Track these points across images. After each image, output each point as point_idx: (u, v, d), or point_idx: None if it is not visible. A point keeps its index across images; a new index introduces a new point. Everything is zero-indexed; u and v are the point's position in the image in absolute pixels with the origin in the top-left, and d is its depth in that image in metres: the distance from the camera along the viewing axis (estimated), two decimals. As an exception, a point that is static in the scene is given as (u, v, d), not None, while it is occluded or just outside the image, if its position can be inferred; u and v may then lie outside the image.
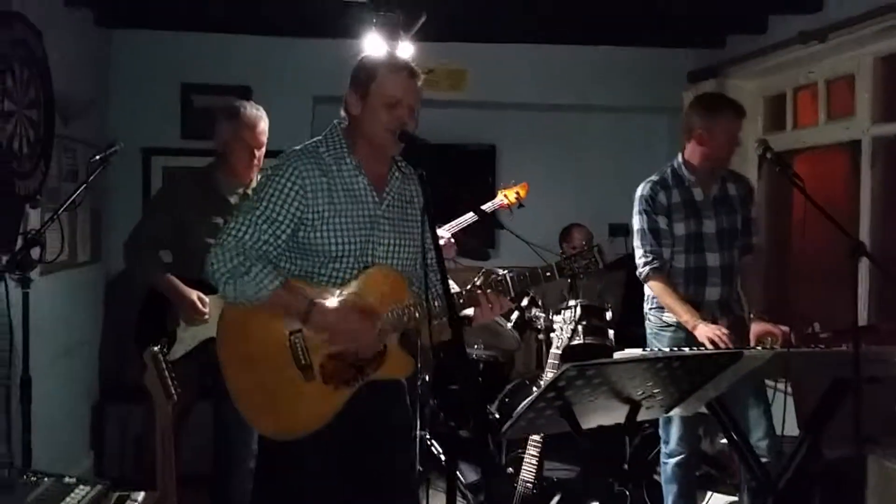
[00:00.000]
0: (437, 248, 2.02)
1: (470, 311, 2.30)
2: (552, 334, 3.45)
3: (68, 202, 3.08)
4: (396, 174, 2.34)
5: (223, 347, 2.29)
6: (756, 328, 3.18)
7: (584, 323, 3.95)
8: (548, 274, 2.23)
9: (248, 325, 2.24)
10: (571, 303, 4.14)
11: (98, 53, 4.77)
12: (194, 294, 3.07)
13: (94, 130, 4.49)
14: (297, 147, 2.28)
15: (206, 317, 3.07)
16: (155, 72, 4.97)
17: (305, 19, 4.68)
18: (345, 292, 2.22)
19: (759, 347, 3.02)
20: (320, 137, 2.32)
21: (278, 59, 5.07)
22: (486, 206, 3.77)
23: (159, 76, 4.97)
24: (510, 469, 3.26)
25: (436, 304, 2.12)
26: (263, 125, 3.17)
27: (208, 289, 3.09)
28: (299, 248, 2.23)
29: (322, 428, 2.21)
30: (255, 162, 3.16)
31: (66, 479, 2.09)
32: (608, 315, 4.19)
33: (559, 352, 3.38)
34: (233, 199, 3.19)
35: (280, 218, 2.19)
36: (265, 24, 4.88)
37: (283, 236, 2.21)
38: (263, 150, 3.19)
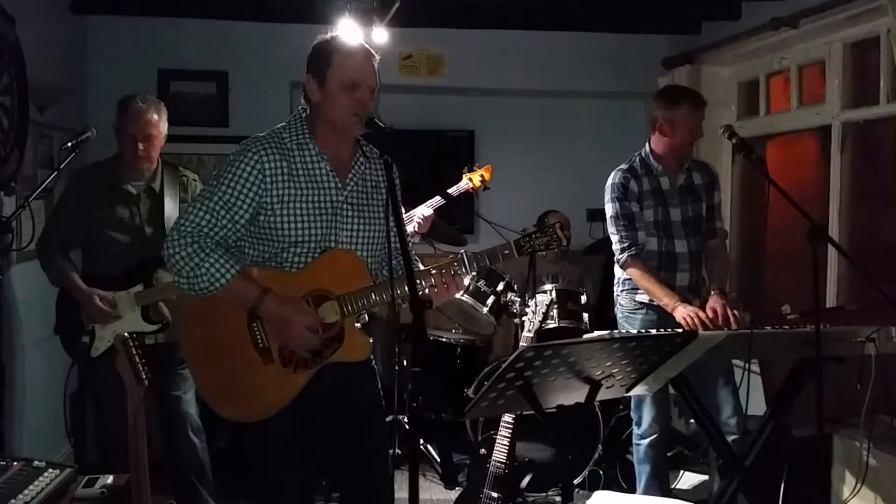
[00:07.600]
0: (401, 232, 2.05)
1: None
2: (524, 318, 3.49)
3: (39, 189, 3.09)
4: (360, 159, 2.33)
5: (186, 335, 2.32)
6: (712, 302, 3.21)
7: (557, 307, 3.99)
8: (506, 252, 2.22)
9: (209, 311, 2.25)
10: (547, 287, 4.21)
11: (74, 40, 4.75)
12: (95, 296, 3.08)
13: (71, 117, 4.47)
14: (261, 134, 2.27)
15: (114, 314, 3.10)
16: (131, 58, 4.96)
17: (281, 4, 4.68)
18: (300, 276, 2.23)
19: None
20: (283, 124, 2.31)
21: (255, 44, 5.06)
22: (452, 190, 3.83)
23: (136, 62, 4.96)
24: (483, 449, 3.30)
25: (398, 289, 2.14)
26: (151, 116, 3.14)
27: (118, 284, 3.14)
28: (260, 232, 2.23)
29: (285, 410, 2.23)
30: (141, 153, 3.13)
31: (36, 463, 2.11)
32: (583, 299, 4.24)
33: (531, 335, 3.42)
34: (134, 191, 3.20)
35: (238, 203, 2.18)
36: (241, 9, 4.87)
37: (242, 221, 2.20)
38: (157, 141, 3.18)
